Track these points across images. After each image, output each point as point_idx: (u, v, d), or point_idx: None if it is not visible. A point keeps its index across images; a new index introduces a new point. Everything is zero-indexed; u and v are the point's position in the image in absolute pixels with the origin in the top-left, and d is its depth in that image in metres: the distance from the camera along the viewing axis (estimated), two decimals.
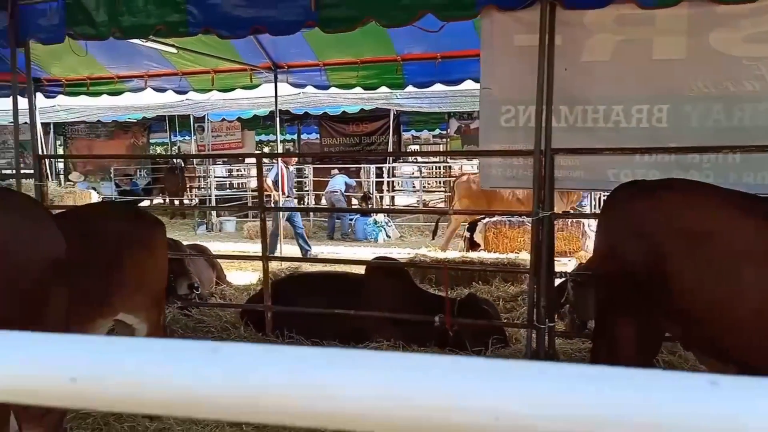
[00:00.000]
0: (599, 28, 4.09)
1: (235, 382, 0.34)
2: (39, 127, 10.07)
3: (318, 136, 18.56)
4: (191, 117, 14.88)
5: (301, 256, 9.93)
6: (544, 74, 3.98)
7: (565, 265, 6.60)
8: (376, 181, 14.80)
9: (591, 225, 8.37)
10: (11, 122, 15.69)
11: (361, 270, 5.45)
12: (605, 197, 4.82)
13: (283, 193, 10.25)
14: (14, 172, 6.29)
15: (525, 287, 6.69)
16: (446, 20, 4.34)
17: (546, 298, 4.16)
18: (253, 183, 18.49)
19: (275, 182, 10.19)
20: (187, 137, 19.11)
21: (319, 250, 10.88)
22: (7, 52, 8.03)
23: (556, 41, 4.01)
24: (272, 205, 9.95)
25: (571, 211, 9.32)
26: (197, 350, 0.37)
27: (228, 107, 13.93)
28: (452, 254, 8.02)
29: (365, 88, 9.01)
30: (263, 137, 21.64)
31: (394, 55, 8.06)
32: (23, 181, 7.81)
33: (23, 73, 8.91)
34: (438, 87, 8.73)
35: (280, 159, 10.74)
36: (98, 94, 9.29)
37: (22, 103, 9.58)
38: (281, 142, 22.86)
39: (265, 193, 10.04)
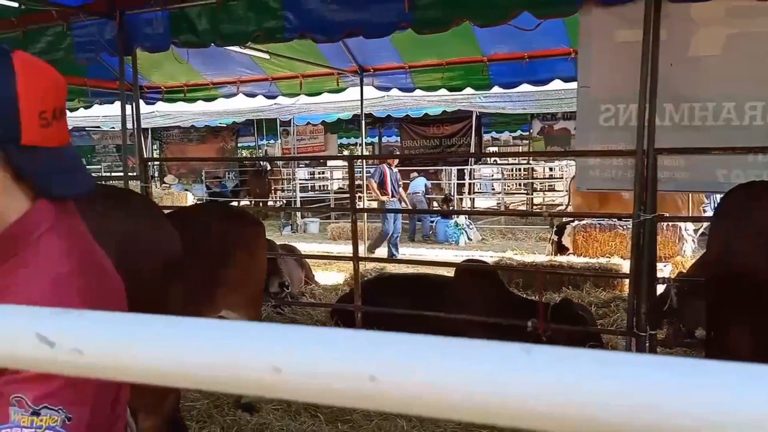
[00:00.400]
0: (708, 21, 3.89)
1: (556, 387, 0.32)
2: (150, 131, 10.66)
3: (398, 138, 18.65)
4: (278, 121, 15.29)
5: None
6: (648, 70, 3.83)
7: (661, 270, 6.32)
8: (455, 184, 14.71)
9: (688, 229, 7.98)
10: (112, 128, 16.68)
11: (447, 272, 5.43)
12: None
13: (387, 194, 10.32)
14: (122, 174, 6.63)
15: (619, 293, 6.46)
16: (543, 18, 4.25)
17: (647, 304, 4.00)
18: (335, 185, 18.80)
19: (380, 184, 10.30)
20: (272, 141, 19.68)
21: (400, 252, 10.92)
22: (112, 61, 8.56)
23: (660, 36, 3.84)
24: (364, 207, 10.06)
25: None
26: (505, 351, 0.36)
27: (313, 111, 14.23)
28: (539, 258, 7.85)
29: (450, 90, 8.97)
30: (343, 140, 22.00)
31: (479, 55, 7.98)
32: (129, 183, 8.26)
33: (129, 81, 9.48)
34: (523, 87, 8.61)
35: (378, 160, 10.80)
36: (194, 100, 9.71)
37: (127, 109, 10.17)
38: (360, 145, 23.23)
39: (370, 194, 10.25)
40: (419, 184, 13.21)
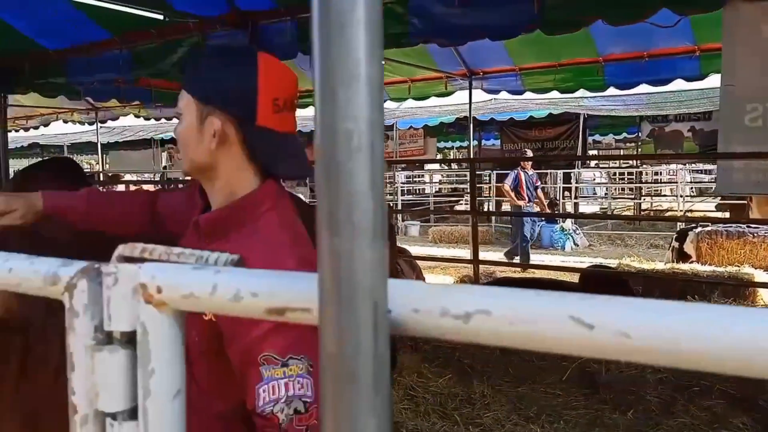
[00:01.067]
0: None
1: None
2: None
3: (498, 142, 18.42)
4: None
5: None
6: None
7: None
8: (560, 187, 14.34)
9: None
10: None
11: (557, 276, 5.29)
12: None
13: (524, 198, 10.23)
14: None
15: (751, 303, 6.08)
16: (685, 14, 4.07)
17: None
18: (433, 188, 18.83)
19: (514, 188, 10.24)
20: None
21: (496, 256, 10.78)
22: None
23: None
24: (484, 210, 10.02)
25: None
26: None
27: (419, 115, 14.33)
28: (659, 265, 7.51)
29: (561, 92, 8.77)
30: (440, 144, 21.95)
31: (595, 56, 7.76)
32: None
33: None
34: (638, 89, 8.31)
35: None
36: (305, 105, 10.01)
37: None
38: (458, 149, 23.11)
39: (505, 199, 10.17)
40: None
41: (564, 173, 14.44)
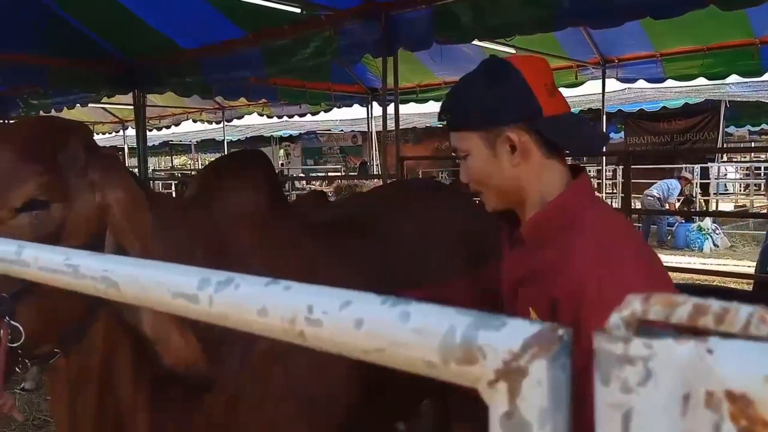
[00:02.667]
0: None
1: None
2: (374, 133, 11.10)
3: (621, 135, 17.37)
4: None
5: None
6: None
7: None
8: (698, 183, 13.26)
9: None
10: (341, 130, 17.73)
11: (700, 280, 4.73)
12: None
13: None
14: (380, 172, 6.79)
15: None
16: None
17: None
18: None
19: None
20: None
21: None
22: (354, 67, 8.95)
23: None
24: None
25: None
26: None
27: None
28: None
29: (709, 78, 8.01)
30: None
31: (749, 37, 7.00)
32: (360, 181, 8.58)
33: (367, 85, 9.90)
34: None
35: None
36: (425, 100, 9.81)
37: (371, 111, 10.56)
38: None
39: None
40: (659, 186, 12.04)
41: (701, 168, 13.33)
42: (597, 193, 1.31)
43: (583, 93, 10.77)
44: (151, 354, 1.20)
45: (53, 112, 8.57)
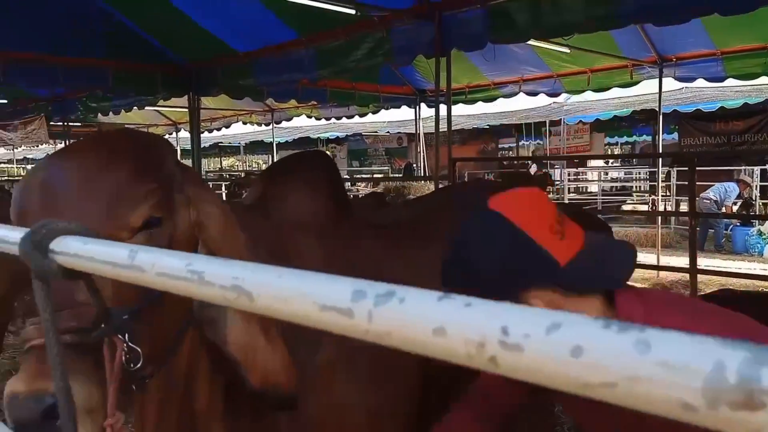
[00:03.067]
0: None
1: None
2: (422, 135, 11.04)
3: (675, 136, 16.85)
4: (547, 122, 14.81)
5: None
6: None
7: None
8: (758, 186, 12.75)
9: None
10: (387, 132, 17.71)
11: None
12: None
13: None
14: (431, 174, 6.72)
15: None
16: None
17: None
18: (594, 188, 17.65)
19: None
20: (531, 141, 19.20)
21: (682, 261, 9.71)
22: (402, 68, 8.91)
23: None
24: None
25: None
26: None
27: (592, 109, 13.47)
28: None
29: None
30: (607, 139, 20.60)
31: None
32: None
33: (410, 85, 9.86)
34: None
35: None
36: (474, 101, 9.71)
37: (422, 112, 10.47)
38: (623, 145, 21.53)
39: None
40: (716, 189, 11.61)
41: (761, 170, 12.81)
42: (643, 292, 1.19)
43: (637, 93, 10.49)
44: (231, 375, 1.18)
45: (111, 115, 8.82)
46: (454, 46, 5.28)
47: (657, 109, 8.81)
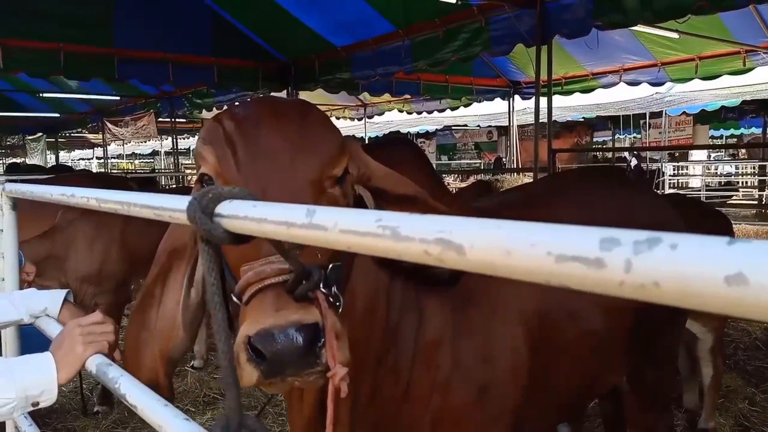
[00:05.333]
0: None
1: None
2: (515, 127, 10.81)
3: None
4: (647, 114, 14.11)
5: None
6: None
7: None
8: None
9: None
10: (478, 126, 17.48)
11: None
12: None
13: None
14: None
15: None
16: None
17: None
18: (696, 182, 16.63)
19: None
20: (627, 135, 18.38)
21: None
22: (496, 60, 8.75)
23: None
24: None
25: None
26: None
27: (698, 99, 12.71)
28: None
29: None
30: (712, 132, 19.43)
31: None
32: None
33: (503, 76, 9.66)
34: None
35: None
36: (570, 92, 9.39)
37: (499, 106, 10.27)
38: (728, 137, 20.16)
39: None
40: None
41: None
42: None
43: (750, 82, 9.79)
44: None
45: (214, 110, 9.17)
46: (556, 33, 5.12)
47: (757, 101, 8.21)
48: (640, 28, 6.15)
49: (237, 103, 1.18)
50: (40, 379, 1.09)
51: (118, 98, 10.94)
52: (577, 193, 1.94)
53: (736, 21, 6.74)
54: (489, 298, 1.45)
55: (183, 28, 6.35)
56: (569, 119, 15.48)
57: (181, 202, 0.77)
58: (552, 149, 5.45)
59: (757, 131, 17.30)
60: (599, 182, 2.13)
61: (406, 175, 1.59)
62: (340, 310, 0.94)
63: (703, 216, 3.15)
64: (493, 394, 1.50)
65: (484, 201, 2.32)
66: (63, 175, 6.20)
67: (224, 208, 0.70)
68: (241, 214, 0.67)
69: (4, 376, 1.06)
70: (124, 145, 17.57)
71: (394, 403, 1.39)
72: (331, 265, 0.96)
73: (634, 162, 13.94)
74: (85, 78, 6.92)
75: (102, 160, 19.13)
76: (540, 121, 6.04)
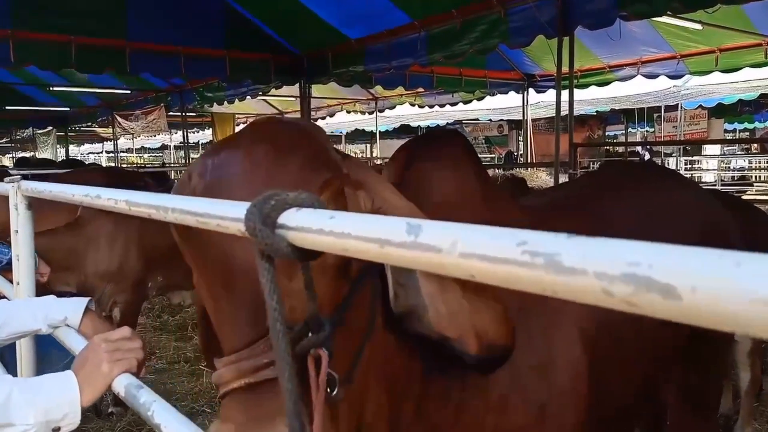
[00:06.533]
0: None
1: None
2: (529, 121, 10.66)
3: None
4: (662, 107, 13.91)
5: None
6: None
7: None
8: None
9: None
10: (489, 120, 17.31)
11: None
12: None
13: None
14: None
15: None
16: None
17: None
18: (709, 177, 16.40)
19: None
20: (640, 129, 18.16)
21: None
22: (510, 52, 8.60)
23: None
24: None
25: None
26: None
27: (716, 93, 12.50)
28: None
29: None
30: (727, 125, 19.18)
31: None
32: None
33: (517, 69, 9.50)
34: None
35: None
36: (586, 86, 9.24)
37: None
38: (742, 131, 19.91)
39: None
40: None
41: None
42: None
43: (756, 77, 9.59)
44: (442, 360, 1.06)
45: (225, 104, 9.08)
46: (578, 24, 4.97)
47: None
48: (662, 19, 6.00)
49: (213, 146, 1.00)
50: (62, 401, 0.99)
51: (128, 92, 10.87)
52: (630, 193, 1.83)
53: (758, 12, 6.57)
54: (546, 308, 1.34)
55: (196, 20, 6.24)
56: (582, 113, 15.29)
57: (234, 208, 0.66)
58: (573, 143, 5.31)
59: (765, 123, 17.08)
60: (649, 180, 2.02)
61: (455, 175, 1.48)
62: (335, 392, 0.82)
63: (750, 213, 3.06)
64: (554, 413, 1.39)
65: (529, 200, 2.20)
66: (78, 170, 6.12)
67: (289, 218, 0.59)
68: (315, 226, 0.55)
69: (23, 398, 0.95)
70: (134, 139, 17.51)
71: (442, 429, 1.27)
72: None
73: (647, 156, 13.76)
74: (96, 71, 6.83)
75: (112, 154, 19.08)
76: (568, 113, 5.93)
